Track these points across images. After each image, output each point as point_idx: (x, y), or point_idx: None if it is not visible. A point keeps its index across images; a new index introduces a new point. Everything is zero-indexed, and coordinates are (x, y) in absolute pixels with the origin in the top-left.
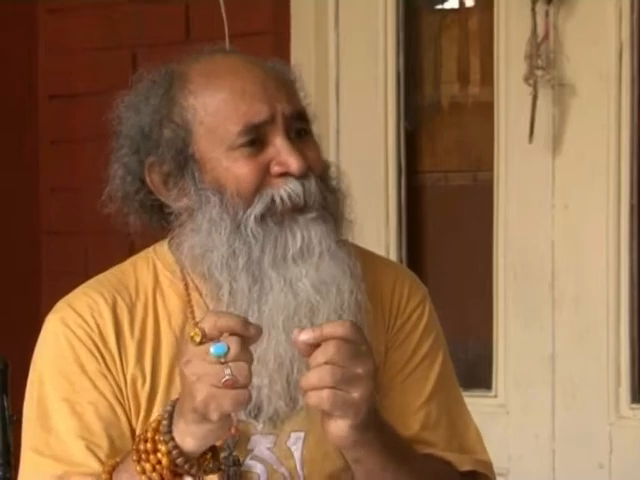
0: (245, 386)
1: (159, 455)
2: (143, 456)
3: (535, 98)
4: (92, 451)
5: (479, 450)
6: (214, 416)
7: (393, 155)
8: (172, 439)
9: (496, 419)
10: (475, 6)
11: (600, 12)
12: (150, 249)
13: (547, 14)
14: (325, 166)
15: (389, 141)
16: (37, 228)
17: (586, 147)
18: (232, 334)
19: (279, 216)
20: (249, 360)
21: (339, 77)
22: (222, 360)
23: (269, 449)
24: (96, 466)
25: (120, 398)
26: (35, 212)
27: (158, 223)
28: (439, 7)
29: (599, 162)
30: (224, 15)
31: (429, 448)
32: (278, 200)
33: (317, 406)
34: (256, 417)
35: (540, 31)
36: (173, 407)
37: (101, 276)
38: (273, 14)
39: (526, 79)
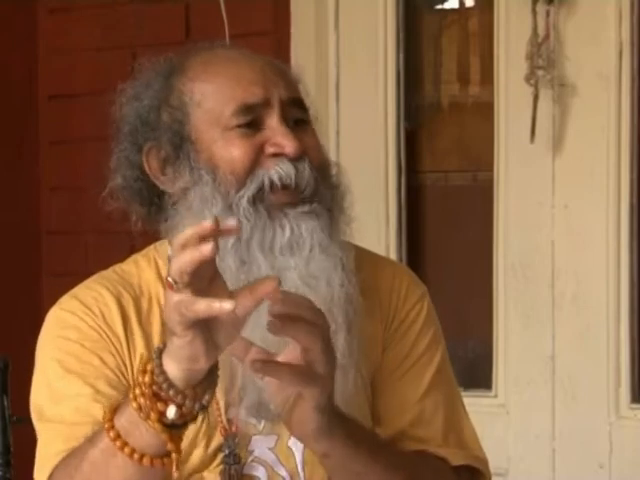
0: (188, 285)
1: (146, 376)
2: (135, 382)
3: (536, 98)
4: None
5: (475, 447)
6: (174, 323)
7: (393, 155)
8: (159, 358)
9: (496, 419)
10: (475, 6)
11: (600, 12)
12: (151, 247)
13: (548, 14)
14: (324, 159)
15: (389, 141)
16: (37, 228)
17: (586, 147)
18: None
19: (269, 204)
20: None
21: (339, 77)
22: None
23: (270, 449)
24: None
25: (125, 380)
26: (35, 212)
27: (157, 215)
28: (439, 7)
29: (599, 162)
30: (224, 15)
31: (422, 444)
32: (267, 182)
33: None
34: (257, 417)
35: (541, 31)
36: None
37: (103, 272)
38: (273, 14)
39: (527, 79)
